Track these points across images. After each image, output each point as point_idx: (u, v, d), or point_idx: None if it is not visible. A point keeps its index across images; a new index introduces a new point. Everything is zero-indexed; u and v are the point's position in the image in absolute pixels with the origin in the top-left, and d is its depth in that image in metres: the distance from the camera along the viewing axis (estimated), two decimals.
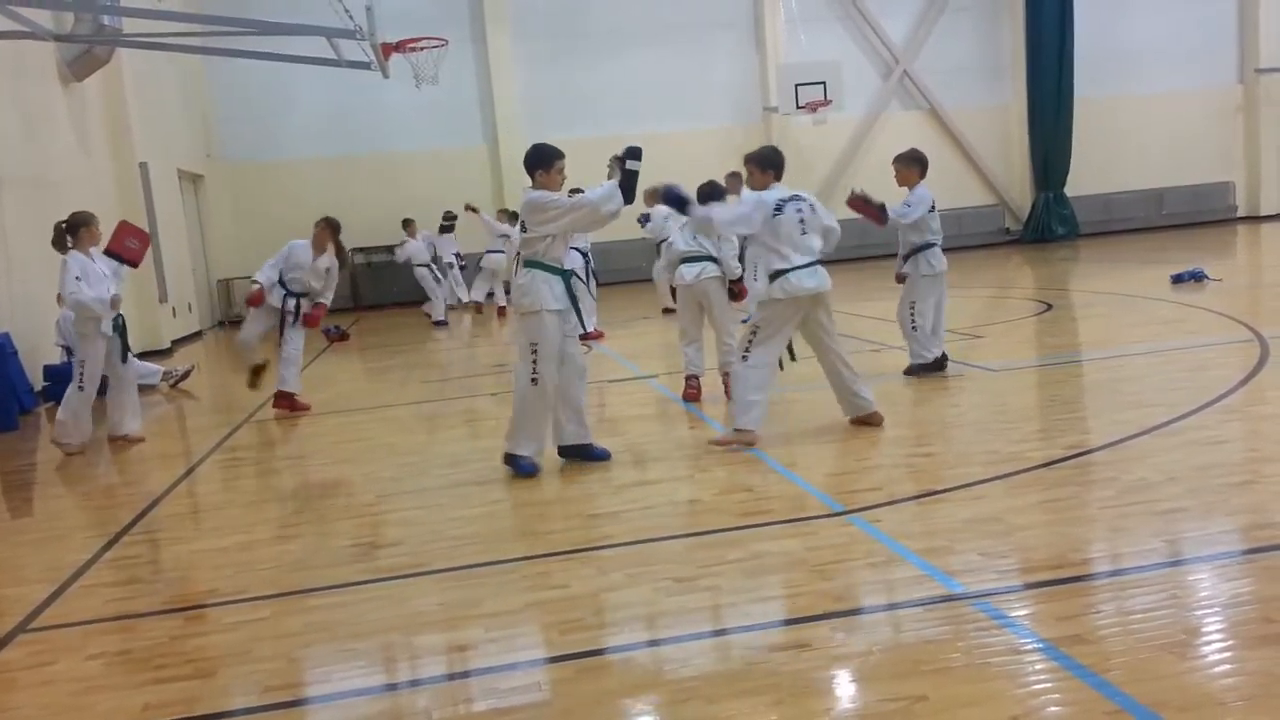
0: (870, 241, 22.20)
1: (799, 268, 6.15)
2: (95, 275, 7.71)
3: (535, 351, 5.77)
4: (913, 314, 7.84)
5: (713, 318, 7.69)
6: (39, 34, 11.62)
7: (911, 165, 7.81)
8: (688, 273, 7.58)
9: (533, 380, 5.79)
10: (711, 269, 7.53)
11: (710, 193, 7.24)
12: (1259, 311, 10.28)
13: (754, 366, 6.19)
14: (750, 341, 6.25)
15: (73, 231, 7.81)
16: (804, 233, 6.25)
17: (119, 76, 14.57)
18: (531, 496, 5.60)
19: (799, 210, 6.26)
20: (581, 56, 21.02)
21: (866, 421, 6.42)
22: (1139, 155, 23.08)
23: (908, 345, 8.00)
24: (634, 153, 5.75)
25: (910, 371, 7.92)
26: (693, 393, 7.75)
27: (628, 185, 5.73)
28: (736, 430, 6.22)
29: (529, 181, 6.01)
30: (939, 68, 22.31)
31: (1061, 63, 22.18)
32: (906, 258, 7.90)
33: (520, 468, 5.91)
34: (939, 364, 7.90)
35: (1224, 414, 6.07)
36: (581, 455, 6.09)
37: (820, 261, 6.35)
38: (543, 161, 5.86)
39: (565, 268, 5.93)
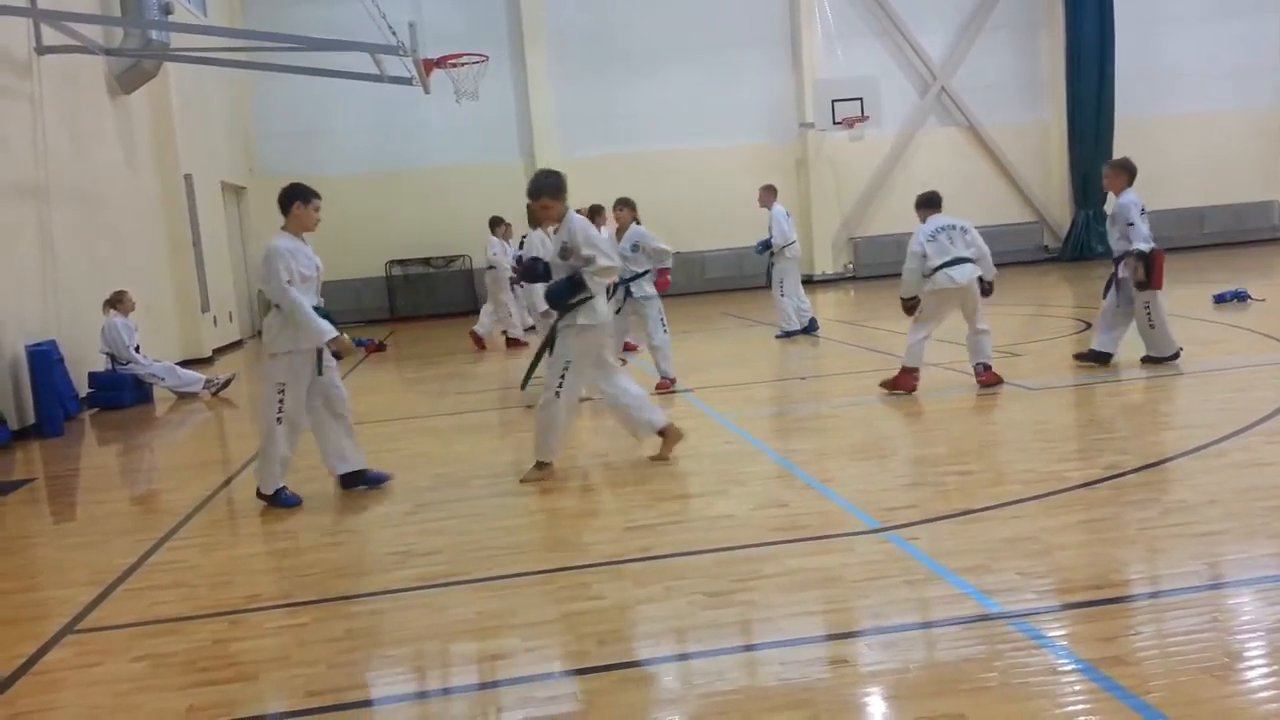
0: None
1: None
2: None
3: (283, 391, 5.94)
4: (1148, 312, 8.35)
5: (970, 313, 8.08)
6: (90, 48, 11.88)
7: (1121, 172, 8.40)
8: (960, 275, 7.87)
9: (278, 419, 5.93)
10: (974, 270, 7.95)
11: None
12: None
13: None
14: None
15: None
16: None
17: (166, 90, 14.86)
18: (568, 508, 5.64)
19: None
20: (617, 73, 21.14)
21: None
22: (1180, 174, 22.76)
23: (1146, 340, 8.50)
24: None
25: (1148, 360, 8.43)
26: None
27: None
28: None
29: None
30: (977, 84, 22.19)
31: (1102, 80, 22.00)
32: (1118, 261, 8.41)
33: (282, 501, 6.03)
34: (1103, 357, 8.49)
35: (1266, 436, 5.99)
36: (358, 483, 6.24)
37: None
38: (300, 195, 6.03)
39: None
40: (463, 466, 6.81)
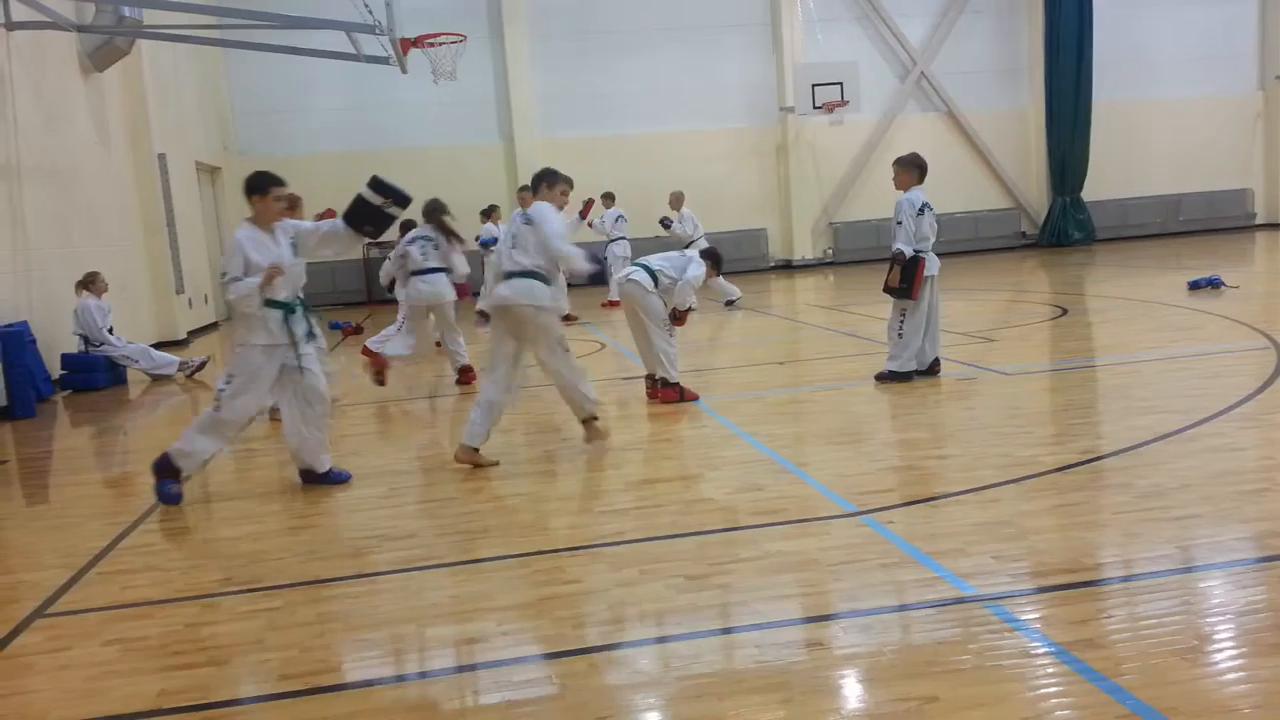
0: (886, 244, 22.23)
1: None
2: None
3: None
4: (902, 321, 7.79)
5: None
6: (61, 24, 11.69)
7: (910, 169, 7.72)
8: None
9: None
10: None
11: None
12: (1276, 319, 10.22)
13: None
14: None
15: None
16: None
17: (139, 68, 14.64)
18: (545, 492, 5.63)
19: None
20: (597, 55, 21.03)
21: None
22: (1157, 161, 22.96)
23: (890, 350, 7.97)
24: (377, 185, 5.74)
25: (881, 378, 7.87)
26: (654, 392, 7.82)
27: (356, 214, 5.81)
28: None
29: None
30: (957, 70, 22.23)
31: (1080, 67, 22.08)
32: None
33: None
34: (930, 370, 7.88)
35: (1240, 421, 6.04)
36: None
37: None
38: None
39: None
40: (439, 450, 6.78)
